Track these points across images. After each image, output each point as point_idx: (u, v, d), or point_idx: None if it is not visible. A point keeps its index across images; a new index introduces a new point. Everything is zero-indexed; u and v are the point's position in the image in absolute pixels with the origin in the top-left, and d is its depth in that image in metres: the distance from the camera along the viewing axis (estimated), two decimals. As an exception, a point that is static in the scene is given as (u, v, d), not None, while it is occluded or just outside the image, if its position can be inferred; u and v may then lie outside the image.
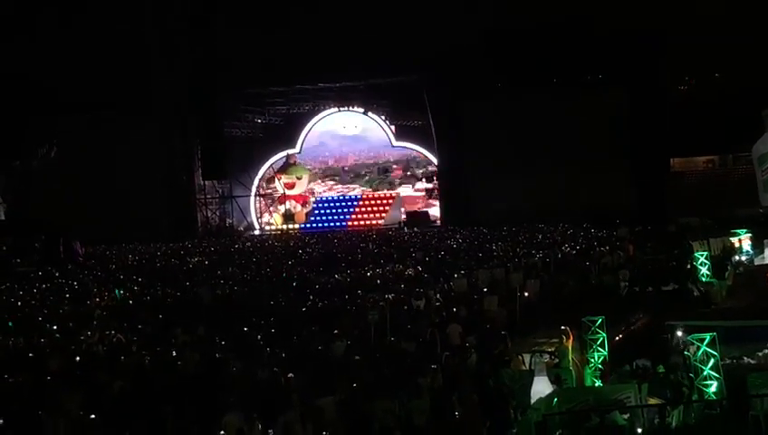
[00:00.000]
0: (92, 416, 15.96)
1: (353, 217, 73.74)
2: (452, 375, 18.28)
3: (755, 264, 32.37)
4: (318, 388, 17.00)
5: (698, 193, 59.71)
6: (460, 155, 66.03)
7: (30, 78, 61.43)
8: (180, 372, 19.83)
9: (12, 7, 60.87)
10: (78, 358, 21.61)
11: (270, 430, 15.35)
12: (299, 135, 75.86)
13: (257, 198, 76.04)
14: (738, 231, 35.02)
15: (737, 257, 33.16)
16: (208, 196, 72.97)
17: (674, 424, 15.26)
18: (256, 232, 74.15)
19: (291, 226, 73.34)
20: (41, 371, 20.30)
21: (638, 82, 60.55)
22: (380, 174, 77.31)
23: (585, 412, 14.68)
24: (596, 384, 17.66)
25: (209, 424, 15.36)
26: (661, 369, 17.38)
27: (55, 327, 26.68)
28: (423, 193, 75.07)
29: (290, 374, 18.21)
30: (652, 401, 16.10)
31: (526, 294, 28.54)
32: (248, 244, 60.49)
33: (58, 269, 47.28)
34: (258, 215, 76.12)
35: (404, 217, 72.42)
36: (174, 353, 21.59)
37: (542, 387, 16.52)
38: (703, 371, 15.79)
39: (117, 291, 35.59)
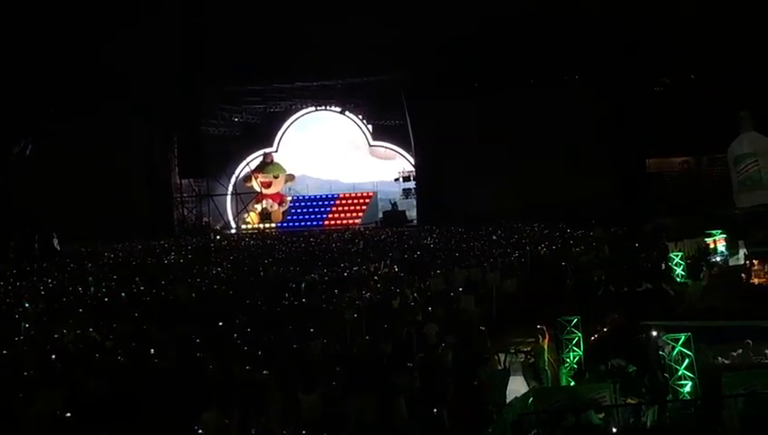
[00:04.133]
0: (69, 414, 15.92)
1: (330, 215, 73.77)
2: (428, 374, 18.33)
3: (730, 264, 32.60)
4: (295, 386, 17.03)
5: (674, 194, 59.99)
6: (437, 154, 66.03)
7: (5, 75, 60.96)
8: (157, 370, 19.80)
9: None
10: (54, 356, 21.51)
11: (252, 429, 15.38)
12: (276, 134, 75.87)
13: (234, 196, 75.92)
14: (713, 232, 35.21)
15: (712, 258, 33.38)
16: (185, 194, 72.82)
17: (649, 424, 15.36)
18: (233, 231, 74.03)
19: (267, 224, 73.27)
20: (17, 369, 20.21)
21: (615, 82, 60.72)
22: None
23: (561, 412, 14.76)
24: (571, 384, 17.74)
25: (187, 422, 15.36)
26: (632, 368, 17.47)
27: (28, 326, 26.55)
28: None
29: (266, 372, 18.25)
30: (628, 401, 16.19)
31: (503, 293, 28.68)
32: (225, 242, 60.38)
33: (34, 266, 47.07)
34: (235, 214, 75.98)
35: (381, 216, 72.53)
36: (150, 351, 21.54)
37: (517, 386, 16.60)
38: (677, 370, 15.89)
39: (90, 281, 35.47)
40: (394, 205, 72.41)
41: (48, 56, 61.42)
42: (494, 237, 49.64)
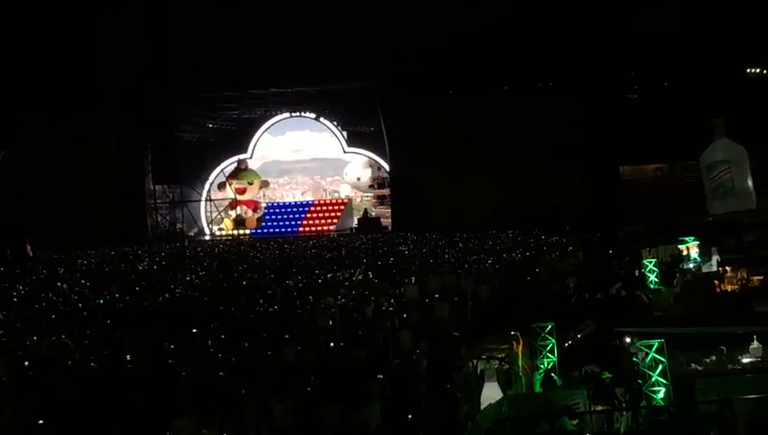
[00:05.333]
0: (41, 421, 15.81)
1: (305, 222, 73.62)
2: (402, 381, 18.30)
3: (703, 271, 32.79)
4: (269, 393, 16.97)
5: (647, 201, 60.28)
6: (412, 161, 66.09)
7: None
8: (130, 377, 19.68)
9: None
10: (26, 363, 21.36)
11: (223, 435, 15.32)
12: (250, 140, 75.70)
13: (208, 202, 75.69)
14: (686, 239, 35.37)
15: (685, 265, 33.54)
16: (159, 200, 72.46)
17: (622, 430, 15.40)
18: (207, 237, 73.79)
19: (242, 231, 73.08)
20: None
21: (589, 90, 61.03)
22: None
23: (535, 418, 14.77)
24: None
25: (160, 429, 15.27)
26: (606, 375, 17.51)
27: (1, 331, 26.40)
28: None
29: (241, 380, 18.18)
30: (598, 407, 16.22)
31: (477, 300, 28.69)
32: (199, 249, 60.15)
33: (6, 272, 46.77)
34: (209, 220, 75.75)
35: (356, 223, 72.49)
36: (123, 358, 21.41)
37: (491, 393, 16.59)
38: (651, 377, 15.93)
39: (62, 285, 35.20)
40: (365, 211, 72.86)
41: (20, 64, 61.09)
42: (469, 244, 49.69)
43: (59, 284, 37.64)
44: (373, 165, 76.28)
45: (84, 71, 62.94)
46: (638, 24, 56.28)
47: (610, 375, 17.37)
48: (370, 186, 76.84)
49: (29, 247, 56.10)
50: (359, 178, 77.46)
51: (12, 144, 65.56)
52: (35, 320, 28.79)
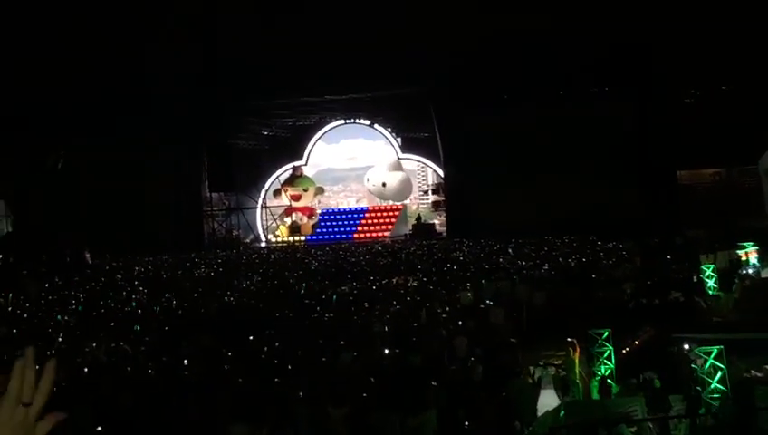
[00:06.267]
0: (99, 428, 15.93)
1: (360, 229, 73.74)
2: (458, 388, 18.23)
3: (762, 277, 32.29)
4: (324, 400, 16.97)
5: (705, 206, 59.64)
6: (467, 167, 65.92)
7: (39, 89, 61.38)
8: (186, 384, 19.79)
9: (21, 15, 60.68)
10: (86, 369, 21.56)
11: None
12: (305, 147, 76.01)
13: (263, 209, 76.14)
14: (745, 244, 34.90)
15: (744, 270, 33.09)
16: (215, 208, 73.05)
17: (680, 437, 15.23)
18: (263, 244, 74.20)
19: (297, 238, 73.35)
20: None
21: (645, 94, 60.57)
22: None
23: (592, 425, 14.65)
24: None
25: (215, 435, 15.33)
26: (657, 384, 17.31)
27: (60, 339, 26.66)
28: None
29: (295, 386, 18.20)
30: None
31: (533, 306, 28.54)
32: (254, 256, 60.46)
33: (65, 279, 47.32)
34: (264, 227, 76.15)
35: (410, 229, 72.49)
36: (180, 364, 21.55)
37: (548, 400, 16.49)
38: (710, 384, 15.74)
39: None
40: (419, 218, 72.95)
41: (80, 72, 61.78)
42: (524, 250, 49.42)
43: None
44: (418, 169, 76.15)
45: (140, 80, 63.51)
46: (695, 26, 55.68)
47: (660, 383, 17.21)
48: (425, 192, 76.83)
49: (87, 255, 56.77)
50: (384, 184, 76.77)
51: (71, 152, 66.42)
52: (94, 327, 29.09)
